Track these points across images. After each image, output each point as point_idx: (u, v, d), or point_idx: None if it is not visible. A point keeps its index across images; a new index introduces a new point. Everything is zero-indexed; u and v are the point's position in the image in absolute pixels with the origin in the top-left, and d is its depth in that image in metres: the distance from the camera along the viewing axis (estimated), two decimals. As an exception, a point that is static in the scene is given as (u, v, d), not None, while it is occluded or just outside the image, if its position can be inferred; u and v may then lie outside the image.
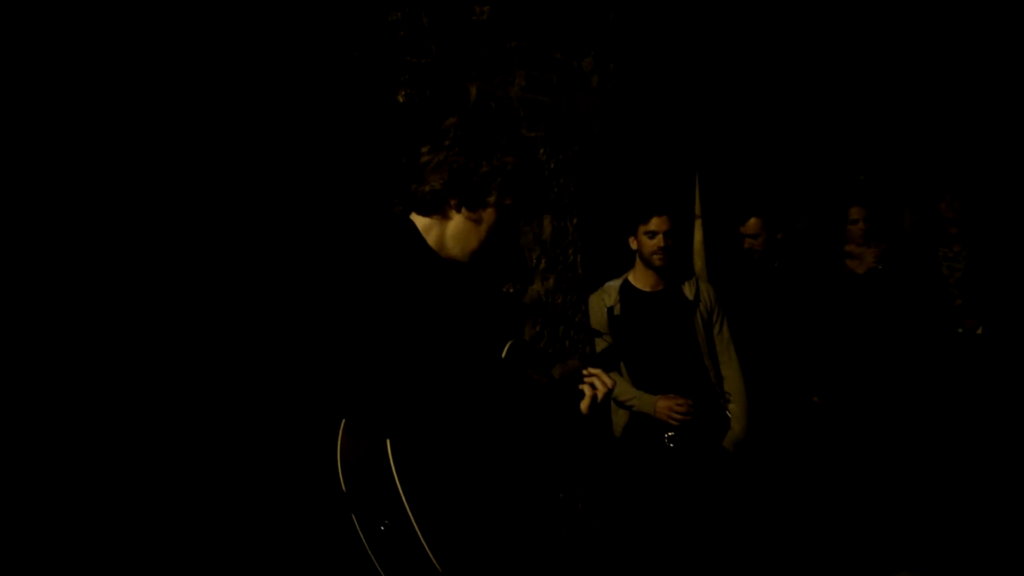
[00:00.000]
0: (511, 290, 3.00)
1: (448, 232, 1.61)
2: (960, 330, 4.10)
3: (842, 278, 3.78)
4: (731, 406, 3.05)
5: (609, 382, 1.72)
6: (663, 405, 2.95)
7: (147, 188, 1.86)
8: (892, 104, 5.50)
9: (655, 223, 2.99)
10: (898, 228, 5.34)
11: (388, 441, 1.40)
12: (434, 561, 1.37)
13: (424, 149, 1.59)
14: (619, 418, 3.10)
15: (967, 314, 4.08)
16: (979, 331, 4.02)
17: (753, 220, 3.50)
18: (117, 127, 1.82)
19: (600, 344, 3.11)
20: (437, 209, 1.60)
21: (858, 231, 4.02)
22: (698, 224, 4.44)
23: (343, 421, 1.45)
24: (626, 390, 3.02)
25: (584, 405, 1.69)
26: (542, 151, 3.26)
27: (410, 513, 1.37)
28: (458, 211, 1.60)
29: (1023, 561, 3.29)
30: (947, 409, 4.00)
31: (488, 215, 1.60)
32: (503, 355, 1.70)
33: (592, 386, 1.70)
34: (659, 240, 2.99)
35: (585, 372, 1.72)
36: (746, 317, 3.40)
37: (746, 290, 3.56)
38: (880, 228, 4.23)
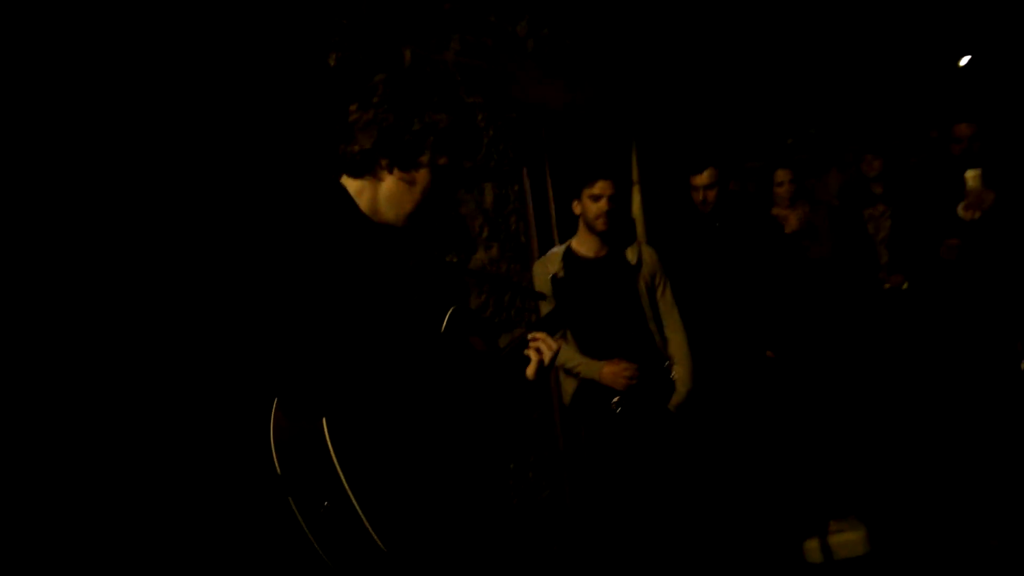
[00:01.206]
0: (454, 259, 2.94)
1: (381, 195, 1.53)
2: (887, 286, 4.25)
3: (775, 238, 3.86)
4: (676, 368, 3.08)
5: (554, 345, 1.69)
6: (608, 371, 2.95)
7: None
8: (818, 66, 5.62)
9: (600, 187, 2.97)
10: (825, 189, 5.50)
11: (324, 419, 1.34)
12: (377, 540, 1.33)
13: (352, 107, 1.50)
14: (568, 385, 3.10)
15: (893, 270, 4.23)
16: (904, 286, 4.18)
17: (709, 170, 3.50)
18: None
19: (545, 308, 3.09)
20: (368, 170, 1.52)
21: (784, 193, 4.11)
22: (636, 190, 4.46)
23: (275, 401, 1.38)
24: (572, 356, 3.01)
25: (530, 371, 1.66)
26: (480, 117, 3.19)
27: (350, 492, 1.32)
28: (390, 172, 1.52)
29: (949, 504, 3.47)
30: (875, 361, 4.16)
31: (422, 176, 1.52)
32: (444, 323, 1.65)
33: (538, 351, 1.67)
34: (603, 204, 2.97)
35: (530, 337, 1.69)
36: (695, 275, 3.43)
37: (694, 248, 3.57)
38: (804, 190, 4.34)
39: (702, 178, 3.51)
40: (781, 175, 4.13)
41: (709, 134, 4.96)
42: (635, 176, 4.34)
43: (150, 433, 1.77)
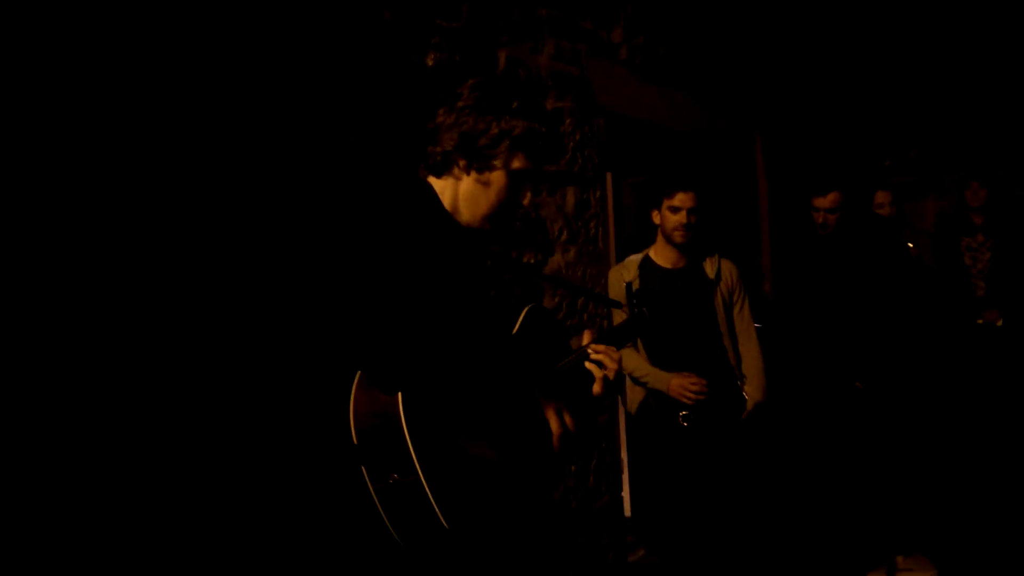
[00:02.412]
0: (532, 260, 2.98)
1: (460, 195, 1.61)
2: (980, 321, 4.06)
3: (903, 263, 3.71)
4: (747, 387, 3.03)
5: (616, 358, 1.69)
6: (677, 383, 2.93)
7: (187, 143, 1.85)
8: (920, 90, 5.40)
9: (680, 198, 2.96)
10: (921, 215, 5.28)
11: (400, 395, 1.41)
12: (441, 518, 1.37)
13: (440, 111, 1.59)
14: (634, 395, 3.09)
15: (988, 305, 4.04)
16: (999, 323, 3.99)
17: (833, 194, 3.40)
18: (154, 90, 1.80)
19: (617, 316, 3.09)
20: (448, 171, 1.60)
21: (885, 216, 3.98)
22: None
23: (358, 374, 1.45)
24: (641, 366, 3.01)
25: (597, 388, 1.67)
26: (568, 121, 3.23)
27: (419, 468, 1.37)
28: (467, 173, 1.59)
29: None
30: (963, 400, 3.98)
31: (496, 178, 1.59)
32: (518, 323, 1.69)
33: (600, 364, 1.68)
34: (682, 216, 2.95)
35: (591, 350, 1.69)
36: (802, 295, 3.35)
37: (807, 269, 3.49)
38: (904, 215, 4.18)
39: (825, 201, 3.41)
40: (881, 197, 3.99)
41: (836, 155, 4.83)
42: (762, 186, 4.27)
43: (244, 395, 1.89)
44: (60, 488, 1.63)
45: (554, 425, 1.57)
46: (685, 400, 2.92)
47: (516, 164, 1.59)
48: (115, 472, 1.70)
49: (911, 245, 3.86)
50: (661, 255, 3.09)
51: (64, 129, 1.66)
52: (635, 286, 3.03)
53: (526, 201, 1.64)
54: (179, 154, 1.84)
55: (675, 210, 2.97)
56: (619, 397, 3.47)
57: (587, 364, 1.68)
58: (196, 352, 1.83)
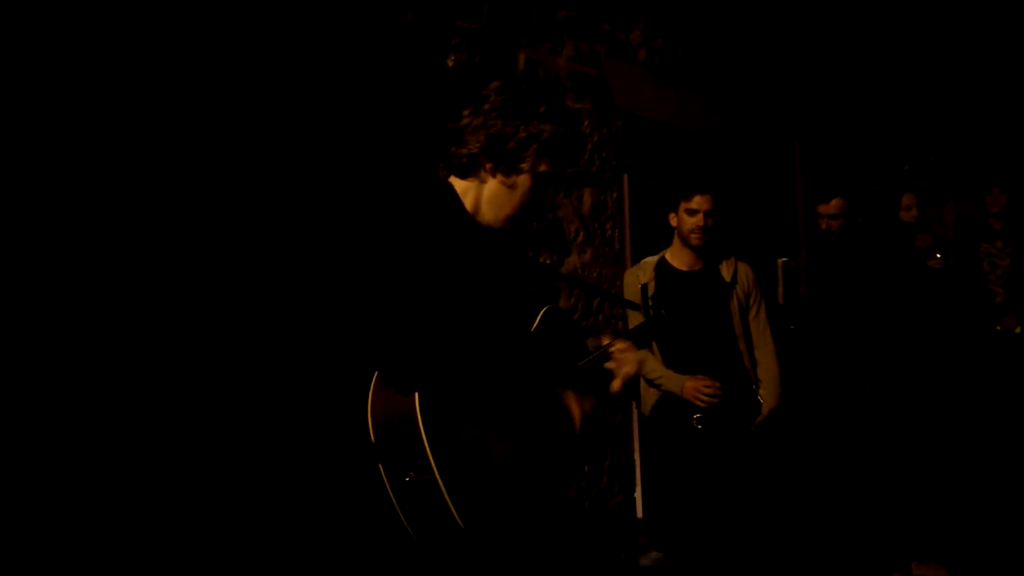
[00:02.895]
0: (548, 261, 2.99)
1: (483, 197, 1.62)
2: (998, 327, 4.03)
3: (916, 269, 3.70)
4: (762, 391, 3.03)
5: (637, 359, 1.71)
6: (691, 386, 2.93)
7: (209, 139, 1.88)
8: (940, 94, 5.36)
9: (697, 201, 2.96)
10: (940, 220, 5.24)
11: (417, 395, 1.42)
12: (456, 516, 1.39)
13: (465, 112, 1.60)
14: (648, 397, 3.10)
15: (1007, 311, 4.01)
16: (1017, 330, 3.96)
17: (836, 200, 3.39)
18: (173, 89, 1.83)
19: (633, 318, 3.10)
20: (473, 172, 1.61)
21: (910, 218, 3.96)
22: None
23: (375, 374, 1.47)
24: (656, 368, 3.01)
25: (616, 384, 1.69)
26: (586, 123, 3.24)
27: (435, 468, 1.39)
28: (493, 176, 1.60)
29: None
30: (979, 406, 3.95)
31: (523, 181, 1.60)
32: (536, 323, 1.71)
33: (621, 364, 1.69)
34: (699, 219, 2.95)
35: (612, 349, 1.71)
36: (812, 301, 3.36)
37: (821, 273, 3.49)
38: (926, 219, 4.16)
39: (829, 208, 3.40)
40: (908, 199, 3.98)
41: (838, 159, 4.82)
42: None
43: (264, 390, 1.92)
44: (88, 486, 1.66)
45: (575, 410, 1.59)
46: (699, 403, 2.92)
47: (543, 167, 1.60)
48: (131, 472, 1.73)
49: (939, 256, 3.83)
50: (677, 257, 3.09)
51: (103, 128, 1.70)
52: (651, 288, 3.03)
53: (547, 203, 1.66)
54: (201, 154, 1.87)
55: (692, 212, 2.97)
56: (632, 400, 3.47)
57: (607, 365, 1.70)
58: (215, 354, 1.86)
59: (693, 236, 2.97)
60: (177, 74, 1.83)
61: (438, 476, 1.39)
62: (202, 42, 1.87)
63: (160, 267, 1.79)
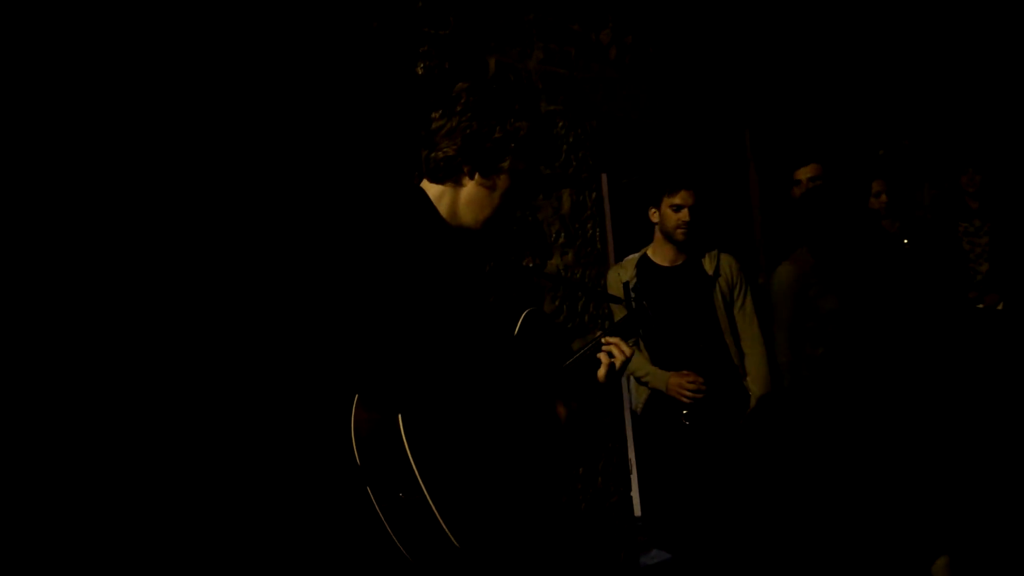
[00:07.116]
0: (530, 264, 2.98)
1: (461, 199, 1.59)
2: (981, 305, 4.06)
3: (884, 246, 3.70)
4: (749, 381, 3.02)
5: (627, 351, 1.70)
6: (675, 382, 2.92)
7: (170, 160, 1.85)
8: (912, 78, 5.41)
9: (682, 196, 2.94)
10: (918, 202, 5.28)
11: (400, 415, 1.39)
12: (449, 535, 1.36)
13: (435, 115, 1.56)
14: (640, 394, 3.09)
15: (988, 289, 4.04)
16: (1000, 306, 3.98)
17: (812, 165, 3.37)
18: (136, 98, 1.81)
19: (618, 312, 3.09)
20: (450, 176, 1.57)
21: (879, 204, 3.97)
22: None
23: (356, 396, 1.44)
24: (642, 366, 3.00)
25: (601, 373, 1.67)
26: (560, 124, 3.23)
27: (423, 487, 1.36)
28: (471, 178, 1.57)
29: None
30: (964, 384, 3.96)
31: (502, 182, 1.57)
32: (518, 326, 1.69)
33: (610, 354, 1.68)
34: (684, 214, 2.94)
35: (604, 341, 1.70)
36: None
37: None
38: (899, 202, 4.18)
39: (804, 171, 3.38)
40: (877, 186, 3.99)
41: (810, 133, 4.83)
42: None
43: (241, 417, 1.89)
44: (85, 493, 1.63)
45: (562, 411, 1.58)
46: (683, 399, 2.91)
47: (521, 166, 1.57)
48: (129, 487, 1.70)
49: (906, 242, 3.85)
50: (659, 253, 3.08)
51: (83, 134, 1.67)
52: (633, 285, 3.03)
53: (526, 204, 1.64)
54: (169, 163, 1.85)
55: (677, 208, 2.95)
56: (624, 396, 3.46)
57: (598, 355, 1.69)
58: (193, 379, 1.83)
59: (678, 231, 2.96)
60: (135, 81, 1.80)
61: (428, 497, 1.36)
62: (163, 53, 1.85)
63: (123, 282, 1.76)
